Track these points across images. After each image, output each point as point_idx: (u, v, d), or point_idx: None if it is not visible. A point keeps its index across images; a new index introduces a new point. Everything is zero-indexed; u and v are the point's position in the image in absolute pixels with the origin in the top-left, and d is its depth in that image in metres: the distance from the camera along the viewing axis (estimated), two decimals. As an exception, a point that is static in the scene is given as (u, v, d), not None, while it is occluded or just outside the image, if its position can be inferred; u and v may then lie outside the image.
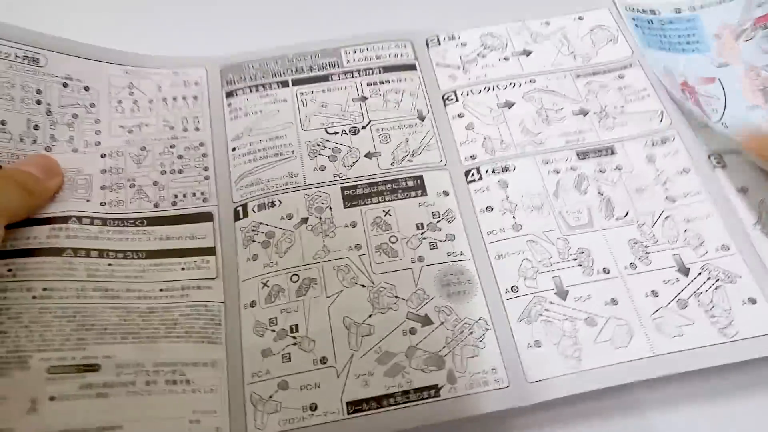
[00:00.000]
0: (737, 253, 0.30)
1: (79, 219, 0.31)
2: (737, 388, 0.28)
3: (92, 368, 0.27)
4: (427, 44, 0.38)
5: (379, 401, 0.27)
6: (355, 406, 0.27)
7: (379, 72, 0.37)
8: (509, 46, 0.37)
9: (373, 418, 0.27)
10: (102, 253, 0.30)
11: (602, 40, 0.38)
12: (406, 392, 0.27)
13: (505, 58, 0.37)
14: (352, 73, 0.37)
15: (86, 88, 0.34)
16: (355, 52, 0.38)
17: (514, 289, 0.30)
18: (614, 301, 0.29)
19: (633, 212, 0.31)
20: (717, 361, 0.27)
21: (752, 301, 0.29)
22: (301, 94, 0.36)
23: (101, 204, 0.32)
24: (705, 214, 0.31)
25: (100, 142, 0.33)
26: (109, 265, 0.30)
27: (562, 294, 0.29)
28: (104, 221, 0.31)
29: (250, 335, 0.29)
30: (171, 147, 0.34)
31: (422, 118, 0.35)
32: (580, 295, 0.29)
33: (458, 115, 0.35)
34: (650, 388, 0.28)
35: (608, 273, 0.30)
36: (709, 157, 0.33)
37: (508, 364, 0.28)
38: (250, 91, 0.36)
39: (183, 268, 0.31)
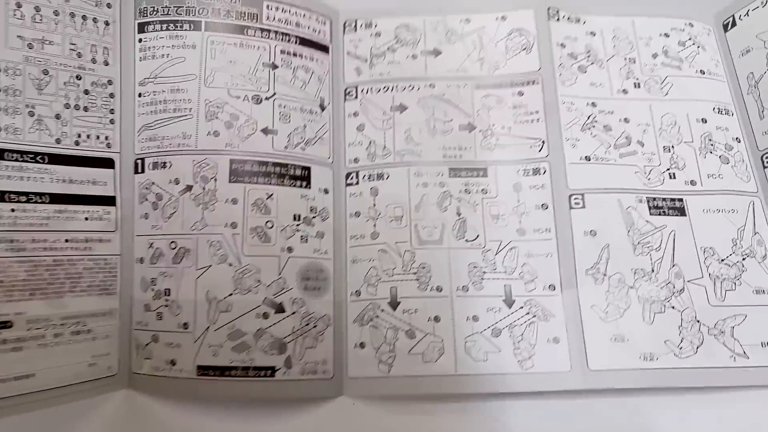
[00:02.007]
0: (559, 294, 0.33)
1: None
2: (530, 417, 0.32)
3: (5, 325, 0.30)
4: (344, 28, 0.38)
5: (222, 371, 0.32)
6: (204, 371, 0.32)
7: (295, 42, 0.37)
8: (421, 43, 0.37)
9: (216, 384, 0.32)
10: (3, 196, 0.30)
11: (516, 47, 0.37)
12: (246, 368, 0.32)
13: (413, 56, 0.37)
14: (269, 32, 0.36)
15: None
16: (277, 9, 0.37)
17: (358, 293, 0.34)
18: (437, 319, 0.33)
19: (482, 237, 0.34)
20: (513, 388, 0.32)
21: (556, 340, 0.32)
22: (212, 42, 0.35)
23: None
24: (546, 252, 0.34)
25: None
26: (12, 210, 0.30)
27: (394, 304, 0.33)
28: (1, 153, 0.31)
29: (138, 288, 0.33)
30: (77, 78, 0.33)
31: (323, 108, 0.37)
32: (410, 308, 0.33)
33: (353, 114, 0.37)
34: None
35: (440, 291, 0.33)
36: (570, 196, 0.34)
37: (336, 359, 0.33)
38: (162, 28, 0.35)
39: (86, 218, 0.32)
